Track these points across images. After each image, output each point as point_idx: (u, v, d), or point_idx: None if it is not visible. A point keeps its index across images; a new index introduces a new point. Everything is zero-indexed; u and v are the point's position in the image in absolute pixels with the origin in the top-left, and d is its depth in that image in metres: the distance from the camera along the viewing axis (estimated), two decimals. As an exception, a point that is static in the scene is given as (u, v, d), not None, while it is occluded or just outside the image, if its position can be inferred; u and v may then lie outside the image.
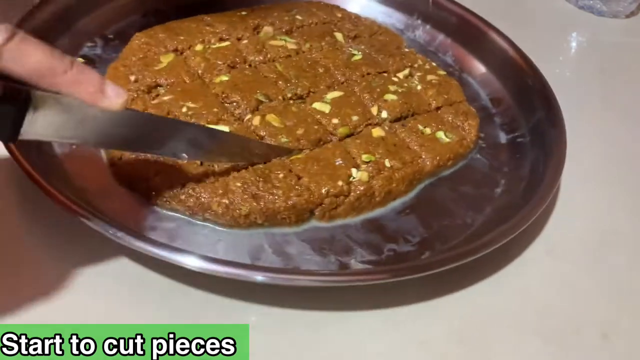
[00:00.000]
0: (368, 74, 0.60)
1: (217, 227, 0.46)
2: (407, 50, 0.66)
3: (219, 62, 0.57)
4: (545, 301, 0.47)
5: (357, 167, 0.50)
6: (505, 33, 0.68)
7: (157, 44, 0.59)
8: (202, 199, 0.45)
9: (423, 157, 0.53)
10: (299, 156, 0.50)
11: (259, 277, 0.41)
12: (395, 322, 0.44)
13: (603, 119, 0.68)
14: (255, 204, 0.45)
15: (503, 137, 0.61)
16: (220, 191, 0.46)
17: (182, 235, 0.45)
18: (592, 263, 0.51)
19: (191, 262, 0.40)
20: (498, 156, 0.58)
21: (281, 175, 0.47)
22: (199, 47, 0.59)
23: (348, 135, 0.53)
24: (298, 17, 0.66)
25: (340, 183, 0.48)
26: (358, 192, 0.49)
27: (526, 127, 0.60)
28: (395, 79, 0.60)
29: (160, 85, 0.54)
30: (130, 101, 0.52)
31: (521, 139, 0.60)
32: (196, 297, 0.42)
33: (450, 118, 0.58)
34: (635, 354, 0.45)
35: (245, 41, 0.61)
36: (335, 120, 0.53)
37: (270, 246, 0.46)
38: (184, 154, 0.45)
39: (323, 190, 0.47)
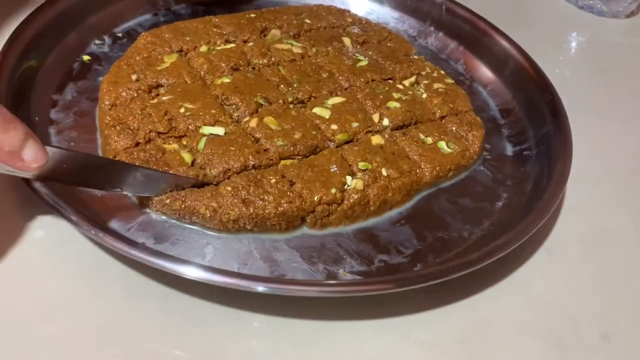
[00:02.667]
0: (373, 80, 0.59)
1: (205, 231, 0.46)
2: (415, 57, 0.65)
3: (222, 64, 0.57)
4: (545, 301, 0.47)
5: (353, 174, 0.49)
6: (505, 33, 0.67)
7: (162, 43, 0.59)
8: (188, 202, 0.45)
9: (422, 167, 0.52)
10: (294, 161, 0.49)
11: (260, 287, 0.40)
12: (395, 324, 0.44)
13: (603, 119, 0.67)
14: (244, 209, 0.45)
15: (509, 149, 0.59)
16: (209, 195, 0.45)
17: (170, 237, 0.45)
18: (592, 263, 0.51)
19: (172, 267, 0.40)
20: (502, 168, 0.57)
21: (273, 181, 0.47)
22: (203, 49, 0.59)
23: (346, 142, 0.53)
24: (307, 20, 0.66)
25: (333, 190, 0.47)
26: (352, 200, 0.48)
27: (533, 139, 0.59)
28: (400, 87, 0.59)
29: (162, 85, 0.54)
30: (130, 100, 0.52)
31: (527, 151, 0.58)
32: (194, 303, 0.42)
33: (454, 128, 0.56)
34: (635, 354, 0.45)
35: (250, 44, 0.60)
36: (334, 126, 0.53)
37: (258, 252, 0.45)
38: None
39: (315, 198, 0.47)
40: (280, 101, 0.54)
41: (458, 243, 0.49)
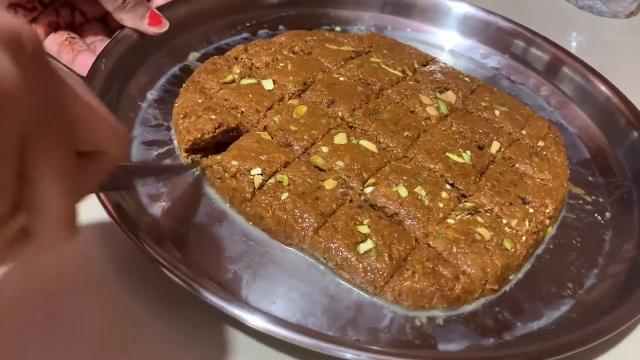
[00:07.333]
0: (435, 172, 0.53)
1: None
2: (531, 206, 0.52)
3: (360, 74, 0.62)
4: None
5: (260, 169, 0.49)
6: None
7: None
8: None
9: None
10: (263, 135, 0.53)
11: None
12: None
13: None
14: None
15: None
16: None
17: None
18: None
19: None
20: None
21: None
22: (374, 59, 0.64)
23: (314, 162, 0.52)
24: (496, 110, 0.61)
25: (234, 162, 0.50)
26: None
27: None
28: (443, 194, 0.51)
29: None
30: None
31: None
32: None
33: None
34: (635, 354, 0.44)
35: (410, 82, 0.63)
36: (324, 149, 0.52)
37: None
38: None
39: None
40: (339, 113, 0.56)
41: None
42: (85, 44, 0.58)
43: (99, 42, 0.59)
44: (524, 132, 0.60)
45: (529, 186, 0.54)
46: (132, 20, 0.57)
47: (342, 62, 0.63)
